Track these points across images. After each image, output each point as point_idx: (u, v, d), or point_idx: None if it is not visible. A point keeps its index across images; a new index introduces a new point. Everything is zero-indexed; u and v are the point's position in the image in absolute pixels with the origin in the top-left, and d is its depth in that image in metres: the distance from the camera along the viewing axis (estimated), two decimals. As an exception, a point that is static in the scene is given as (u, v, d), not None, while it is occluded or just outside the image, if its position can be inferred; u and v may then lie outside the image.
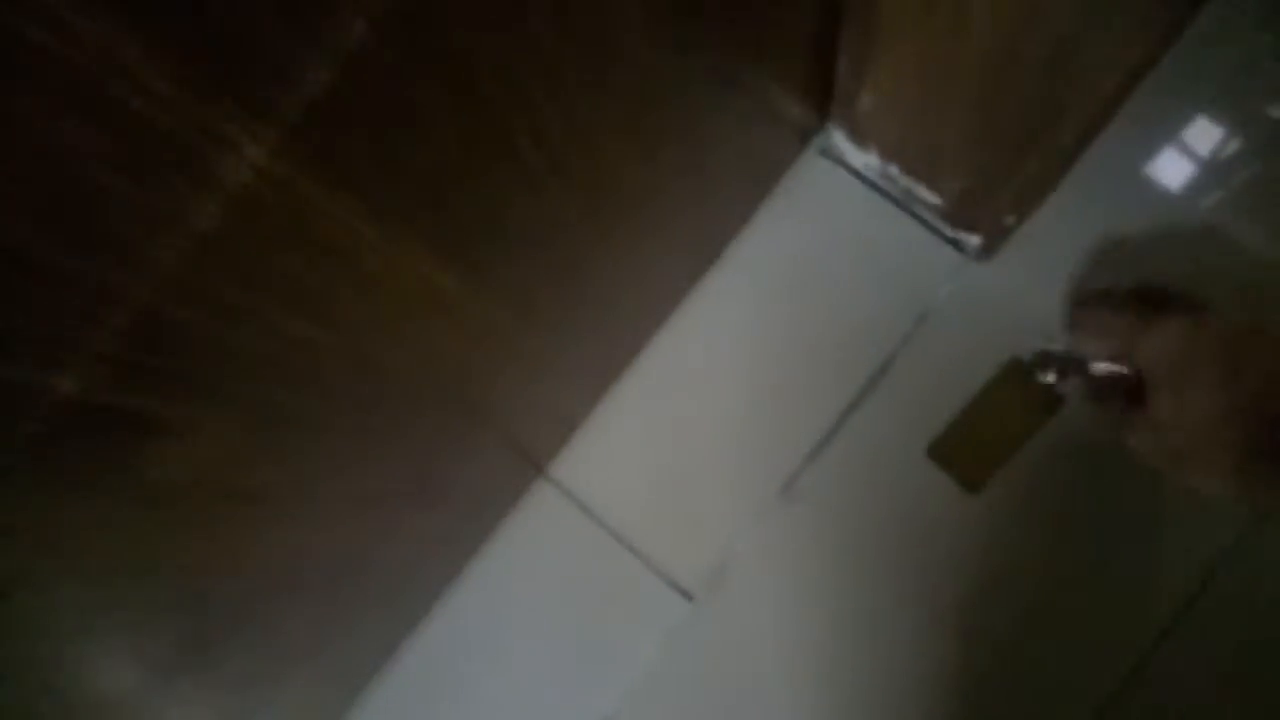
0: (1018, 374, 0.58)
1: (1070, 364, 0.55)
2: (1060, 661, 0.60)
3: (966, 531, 0.61)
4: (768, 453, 0.64)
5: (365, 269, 0.30)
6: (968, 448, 0.60)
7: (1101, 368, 0.53)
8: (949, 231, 0.61)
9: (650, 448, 0.66)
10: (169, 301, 0.23)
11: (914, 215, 0.63)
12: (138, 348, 0.24)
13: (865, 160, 0.61)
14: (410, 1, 0.23)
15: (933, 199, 0.59)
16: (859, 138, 0.60)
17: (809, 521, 0.64)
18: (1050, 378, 0.55)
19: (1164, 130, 0.62)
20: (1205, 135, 0.61)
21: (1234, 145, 0.61)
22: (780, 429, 0.64)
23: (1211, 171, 0.61)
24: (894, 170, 0.60)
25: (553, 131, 0.35)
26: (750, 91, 0.52)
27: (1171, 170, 0.61)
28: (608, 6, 0.32)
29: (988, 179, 0.54)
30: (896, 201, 0.63)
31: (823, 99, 0.59)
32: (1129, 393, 0.50)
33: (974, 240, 0.60)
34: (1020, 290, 0.61)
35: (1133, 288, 0.54)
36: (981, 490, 0.60)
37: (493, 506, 0.65)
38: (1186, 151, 0.61)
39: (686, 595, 0.64)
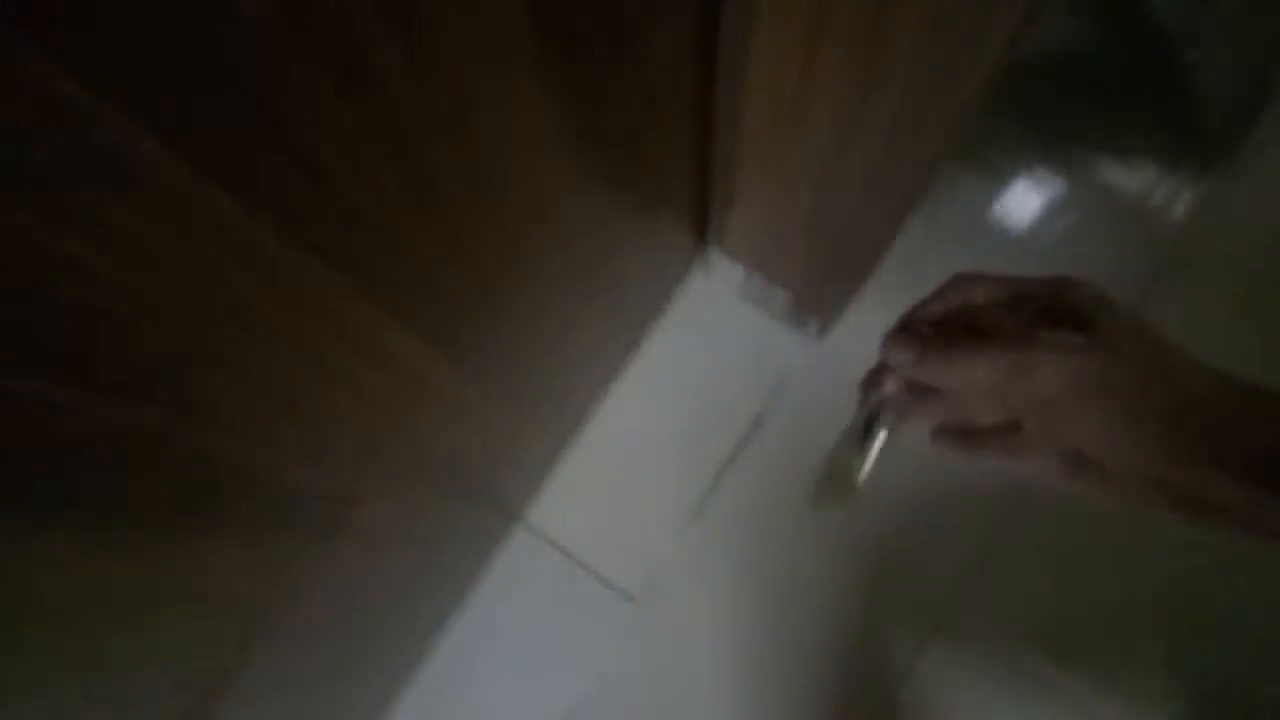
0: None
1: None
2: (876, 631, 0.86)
3: (822, 545, 0.87)
4: (682, 486, 0.88)
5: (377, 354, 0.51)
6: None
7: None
8: (794, 319, 0.87)
9: (598, 489, 0.88)
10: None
11: (770, 310, 0.88)
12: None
13: (734, 271, 0.86)
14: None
15: (782, 296, 0.84)
16: (730, 254, 0.85)
17: (715, 535, 0.87)
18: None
19: (971, 205, 0.90)
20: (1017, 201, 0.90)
21: (1042, 205, 0.89)
22: (691, 467, 0.88)
23: (1016, 234, 0.89)
24: (757, 278, 0.85)
25: (503, 266, 0.57)
26: (648, 232, 0.75)
27: (982, 243, 0.89)
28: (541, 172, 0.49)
29: (818, 275, 0.79)
30: (758, 300, 0.88)
31: (703, 232, 0.84)
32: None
33: (813, 324, 0.85)
34: (851, 357, 0.87)
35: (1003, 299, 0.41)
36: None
37: (482, 550, 0.86)
38: (989, 223, 0.89)
39: (630, 598, 0.86)
